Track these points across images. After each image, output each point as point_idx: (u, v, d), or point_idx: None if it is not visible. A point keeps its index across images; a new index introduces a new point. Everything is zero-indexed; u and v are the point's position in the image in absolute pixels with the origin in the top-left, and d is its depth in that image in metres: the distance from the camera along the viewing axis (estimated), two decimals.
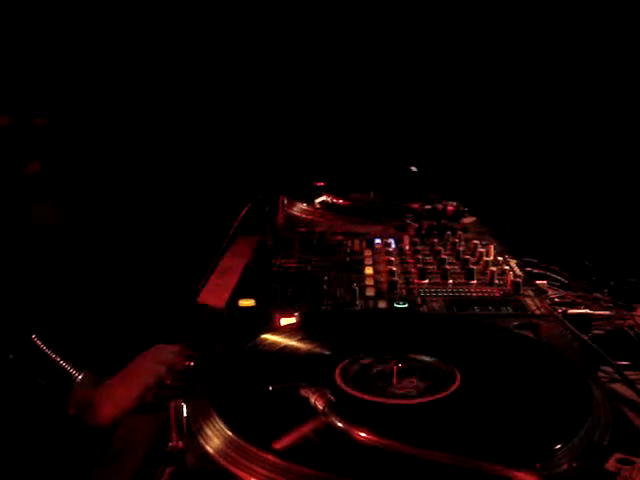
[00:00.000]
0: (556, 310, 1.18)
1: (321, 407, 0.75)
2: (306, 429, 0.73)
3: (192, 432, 0.75)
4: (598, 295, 1.31)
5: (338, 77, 2.17)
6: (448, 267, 1.35)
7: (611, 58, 2.02)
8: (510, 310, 1.19)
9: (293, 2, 2.11)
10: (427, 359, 0.91)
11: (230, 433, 0.73)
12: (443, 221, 1.76)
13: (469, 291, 1.28)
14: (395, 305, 1.21)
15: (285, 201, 1.75)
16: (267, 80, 2.14)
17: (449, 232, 1.62)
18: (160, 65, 1.99)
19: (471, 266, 1.35)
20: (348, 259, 1.49)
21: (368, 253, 1.52)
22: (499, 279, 1.32)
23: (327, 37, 2.13)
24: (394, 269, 1.34)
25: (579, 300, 1.27)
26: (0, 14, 1.19)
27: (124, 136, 1.19)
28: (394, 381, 0.85)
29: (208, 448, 0.73)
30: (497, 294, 1.26)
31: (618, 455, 0.66)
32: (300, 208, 1.79)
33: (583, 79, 2.05)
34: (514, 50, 2.09)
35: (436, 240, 1.57)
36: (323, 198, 1.93)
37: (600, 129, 2.05)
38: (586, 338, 1.06)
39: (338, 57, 2.16)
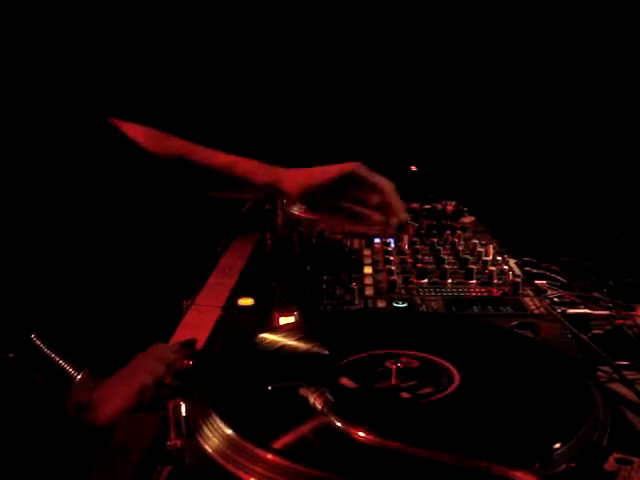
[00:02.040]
0: (555, 310, 1.18)
1: (320, 406, 0.74)
2: (305, 429, 0.73)
3: (191, 431, 0.75)
4: (597, 295, 1.31)
5: (338, 76, 2.17)
6: (447, 267, 1.35)
7: (611, 58, 2.02)
8: (509, 310, 1.19)
9: (290, 4, 2.10)
10: (426, 358, 0.91)
11: (229, 432, 0.73)
12: (442, 221, 1.76)
13: (468, 291, 1.28)
14: (394, 304, 1.21)
15: (284, 201, 1.74)
16: (267, 78, 2.14)
17: (448, 231, 1.62)
18: (159, 62, 1.98)
19: (470, 266, 1.35)
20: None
21: (367, 252, 1.52)
22: (498, 279, 1.32)
23: (327, 36, 2.13)
24: (393, 268, 1.34)
25: (578, 300, 1.27)
26: None
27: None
28: (393, 380, 0.85)
29: (207, 447, 0.73)
30: (496, 294, 1.26)
31: (617, 455, 0.66)
32: (299, 207, 1.79)
33: (583, 79, 2.05)
34: (514, 50, 2.08)
35: (435, 239, 1.57)
36: None
37: (600, 129, 2.05)
38: (585, 338, 1.06)
39: (338, 55, 2.16)
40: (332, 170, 1.17)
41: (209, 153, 1.20)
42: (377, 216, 1.19)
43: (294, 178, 1.18)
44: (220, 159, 1.19)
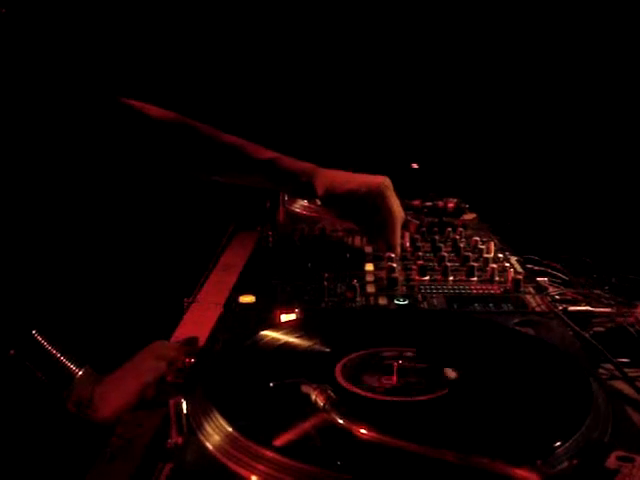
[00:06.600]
0: (557, 307, 1.18)
1: (322, 404, 0.74)
2: (307, 426, 0.73)
3: (192, 429, 0.75)
4: (599, 292, 1.31)
5: (339, 73, 2.17)
6: (449, 264, 1.35)
7: (611, 58, 2.01)
8: (510, 307, 1.19)
9: (291, 4, 2.10)
10: (428, 355, 0.90)
11: (230, 430, 0.73)
12: (444, 218, 1.76)
13: (469, 288, 1.28)
14: (396, 302, 1.21)
15: (286, 197, 1.74)
16: (267, 75, 2.14)
17: (450, 229, 1.62)
18: (157, 63, 1.99)
19: (471, 263, 1.35)
20: (348, 255, 1.48)
21: (369, 250, 1.52)
22: (500, 276, 1.32)
23: (327, 34, 2.13)
24: (395, 266, 1.34)
25: (580, 297, 1.27)
26: None
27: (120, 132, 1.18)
28: (394, 378, 0.85)
29: (208, 445, 0.73)
30: (498, 291, 1.26)
31: (619, 452, 0.66)
32: (301, 205, 1.79)
33: (583, 78, 2.05)
34: (514, 49, 2.08)
35: (437, 237, 1.57)
36: None
37: (601, 126, 2.05)
38: (587, 335, 1.06)
39: (340, 53, 2.15)
40: (358, 184, 1.15)
41: (253, 147, 1.18)
42: (383, 247, 1.20)
43: (324, 180, 1.18)
44: (263, 154, 1.17)
